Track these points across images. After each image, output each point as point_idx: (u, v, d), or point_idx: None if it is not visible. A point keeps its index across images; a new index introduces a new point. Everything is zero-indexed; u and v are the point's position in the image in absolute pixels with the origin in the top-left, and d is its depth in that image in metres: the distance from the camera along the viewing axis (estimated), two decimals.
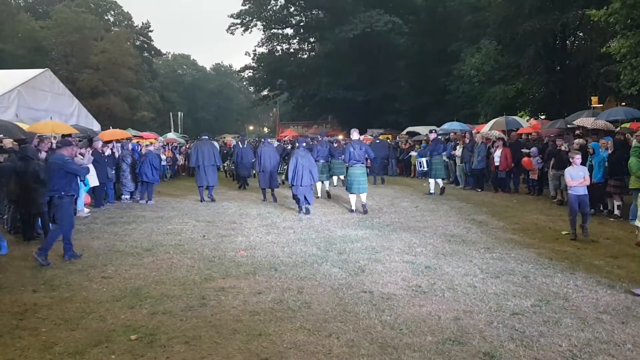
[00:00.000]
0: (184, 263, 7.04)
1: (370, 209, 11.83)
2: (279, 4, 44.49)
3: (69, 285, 6.06)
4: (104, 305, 5.31)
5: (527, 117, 23.47)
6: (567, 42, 28.18)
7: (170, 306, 5.26)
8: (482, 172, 15.62)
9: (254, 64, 47.80)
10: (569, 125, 16.57)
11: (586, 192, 8.27)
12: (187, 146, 26.02)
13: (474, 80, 27.12)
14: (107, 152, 12.91)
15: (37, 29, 45.48)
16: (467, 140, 16.22)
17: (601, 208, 10.92)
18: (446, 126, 21.75)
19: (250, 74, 49.77)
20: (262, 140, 18.76)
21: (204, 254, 7.60)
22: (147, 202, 13.35)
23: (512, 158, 14.47)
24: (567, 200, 8.74)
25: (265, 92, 49.62)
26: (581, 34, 28.78)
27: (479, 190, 15.38)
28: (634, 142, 10.60)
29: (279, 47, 47.24)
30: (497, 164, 14.76)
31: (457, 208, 12.00)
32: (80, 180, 7.53)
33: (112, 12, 58.20)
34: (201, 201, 13.56)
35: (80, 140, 14.73)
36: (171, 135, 30.47)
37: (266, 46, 46.87)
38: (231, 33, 45.53)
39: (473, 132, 18.02)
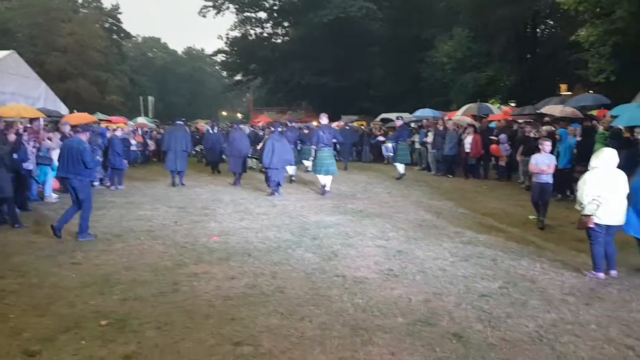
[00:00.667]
0: (156, 249, 6.98)
1: (344, 195, 11.94)
2: None
3: (38, 271, 5.95)
4: (73, 292, 5.23)
5: (499, 104, 23.80)
6: (538, 30, 28.64)
7: (141, 292, 5.22)
8: (453, 159, 15.84)
9: (226, 48, 47.13)
10: (537, 111, 16.90)
11: (550, 181, 8.18)
12: (158, 131, 25.58)
13: (446, 68, 27.33)
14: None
15: (2, 11, 43.83)
16: (439, 127, 16.39)
17: (568, 193, 11.21)
18: (419, 113, 21.91)
19: (223, 58, 49.06)
20: (233, 125, 19.10)
21: (176, 240, 7.54)
22: (116, 187, 13.14)
23: (482, 145, 14.70)
24: (532, 187, 8.73)
25: (238, 77, 49.00)
26: (551, 23, 29.30)
27: (450, 176, 15.60)
28: (600, 129, 10.91)
29: (252, 31, 46.67)
30: (467, 150, 14.98)
31: (428, 194, 12.16)
32: (88, 168, 7.77)
33: None
34: (172, 185, 13.58)
35: (47, 125, 14.36)
36: (141, 119, 29.91)
37: (239, 30, 46.24)
38: (203, 16, 44.77)
39: (445, 119, 18.22)
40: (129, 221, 8.91)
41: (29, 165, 9.80)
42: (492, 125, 16.39)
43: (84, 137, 7.93)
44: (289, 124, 16.89)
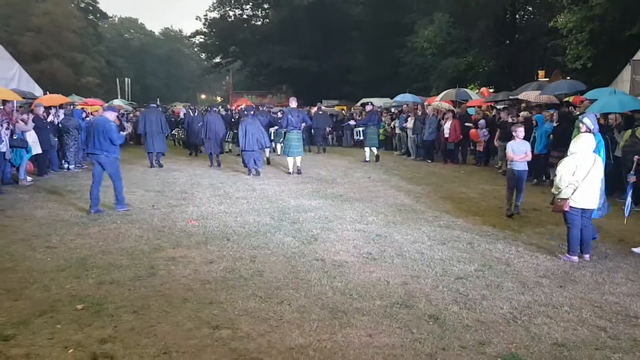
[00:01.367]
0: (132, 233, 6.90)
1: (324, 180, 11.96)
2: None
3: (11, 255, 5.84)
4: (48, 275, 5.15)
5: (477, 89, 23.91)
6: (517, 16, 28.78)
7: (117, 276, 5.16)
8: (433, 144, 15.94)
9: (205, 30, 46.34)
10: (510, 97, 17.08)
11: (526, 168, 8.17)
12: (135, 114, 25.19)
13: (426, 53, 27.36)
14: (50, 118, 12.33)
15: None
16: (419, 113, 16.45)
17: (544, 178, 11.39)
18: (399, 98, 21.92)
19: (202, 40, 48.28)
20: (209, 108, 19.54)
21: (153, 224, 7.46)
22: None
23: (460, 130, 14.81)
24: (507, 174, 8.52)
25: (217, 60, 48.23)
26: (530, 9, 29.46)
27: (429, 161, 15.71)
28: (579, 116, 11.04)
29: (231, 13, 45.79)
30: (446, 135, 15.08)
31: (407, 178, 12.23)
32: (114, 145, 8.27)
33: None
34: (151, 167, 13.90)
35: (21, 106, 14.02)
36: (117, 102, 29.35)
37: (218, 11, 45.37)
38: None
39: (425, 104, 18.28)
40: (105, 205, 8.74)
41: (2, 147, 9.58)
42: (471, 111, 16.51)
43: (110, 116, 8.41)
44: (260, 108, 17.16)
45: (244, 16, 46.40)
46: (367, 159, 15.51)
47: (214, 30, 45.15)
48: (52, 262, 5.59)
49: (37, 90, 19.45)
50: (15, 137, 10.40)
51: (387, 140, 19.71)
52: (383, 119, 19.54)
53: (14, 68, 18.45)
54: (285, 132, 13.09)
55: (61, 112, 13.44)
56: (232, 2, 45.25)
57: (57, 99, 16.12)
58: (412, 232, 7.09)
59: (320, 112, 20.71)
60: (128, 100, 36.40)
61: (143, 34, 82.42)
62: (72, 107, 16.06)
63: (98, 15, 58.59)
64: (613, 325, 4.17)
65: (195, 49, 63.03)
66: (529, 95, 14.72)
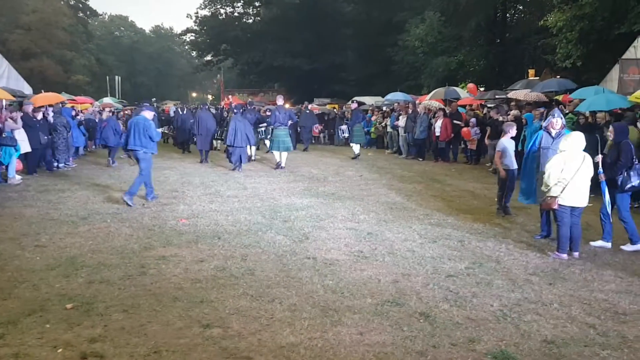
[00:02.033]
0: (122, 232, 6.86)
1: (315, 178, 11.97)
2: None
3: (0, 254, 5.79)
4: (37, 274, 5.11)
5: (463, 84, 23.91)
6: (507, 15, 28.88)
7: (107, 275, 5.13)
8: (424, 142, 15.98)
9: (196, 27, 46.14)
10: (497, 96, 17.16)
11: (516, 167, 8.05)
12: (125, 112, 25.09)
13: (418, 52, 27.39)
14: (39, 116, 12.20)
15: None
16: (409, 111, 16.49)
17: None
18: (390, 96, 21.93)
19: (193, 38, 48.12)
20: (200, 106, 20.37)
21: (144, 222, 7.42)
22: (112, 164, 13.88)
23: (451, 129, 14.86)
24: (500, 175, 8.14)
25: (208, 58, 48.00)
26: (521, 7, 29.58)
27: (421, 159, 15.75)
28: (569, 114, 11.14)
29: (222, 10, 45.59)
30: (437, 134, 15.13)
31: (399, 177, 12.26)
32: (153, 141, 8.88)
33: None
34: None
35: (10, 104, 13.87)
36: (107, 99, 29.13)
37: (209, 9, 45.18)
38: None
39: (417, 102, 18.33)
40: (95, 203, 8.73)
41: None
42: (462, 109, 16.57)
43: (148, 115, 8.96)
44: (248, 106, 17.59)
45: (235, 14, 46.27)
46: (358, 152, 15.97)
47: (205, 28, 44.98)
48: (41, 261, 5.54)
49: (27, 88, 19.27)
50: (4, 136, 10.30)
51: (378, 139, 19.75)
52: (374, 117, 19.59)
53: (3, 66, 18.26)
54: (272, 129, 13.68)
55: (50, 110, 13.29)
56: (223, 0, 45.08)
57: (51, 97, 15.98)
58: (403, 230, 7.11)
59: (307, 111, 21.12)
60: (118, 99, 36.17)
61: (133, 31, 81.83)
62: (61, 105, 15.89)
63: (88, 12, 58.14)
64: (602, 322, 4.20)
65: (186, 47, 62.73)
66: (518, 94, 14.80)
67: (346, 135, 18.38)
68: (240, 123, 12.65)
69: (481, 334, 3.94)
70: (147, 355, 3.56)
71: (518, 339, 3.87)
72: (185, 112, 19.00)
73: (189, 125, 17.36)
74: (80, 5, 55.87)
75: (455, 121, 14.87)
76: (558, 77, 16.21)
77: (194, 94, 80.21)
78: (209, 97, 74.31)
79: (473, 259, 5.82)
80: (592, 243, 6.36)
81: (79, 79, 46.73)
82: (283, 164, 13.30)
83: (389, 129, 18.27)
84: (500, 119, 12.48)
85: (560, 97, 14.21)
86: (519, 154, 8.79)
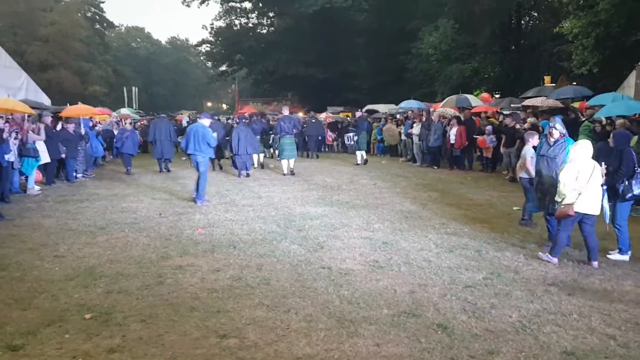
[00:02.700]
0: (140, 241, 6.92)
1: (329, 187, 11.99)
2: None
3: (20, 264, 5.87)
4: (56, 285, 5.18)
5: (477, 92, 23.78)
6: (522, 22, 28.78)
7: (125, 285, 5.18)
8: (439, 150, 15.91)
9: (211, 39, 46.68)
10: (512, 105, 17.05)
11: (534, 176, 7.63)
12: (142, 122, 25.43)
13: (431, 59, 27.38)
14: (70, 128, 12.70)
15: None
16: (424, 119, 16.45)
17: None
18: (403, 104, 21.91)
19: (208, 49, 48.60)
20: (212, 117, 20.36)
21: (161, 232, 7.48)
22: (128, 171, 14.57)
23: (466, 136, 14.78)
24: (526, 185, 7.79)
25: (223, 68, 48.49)
26: (535, 14, 29.45)
27: (435, 167, 15.67)
28: (585, 122, 11.03)
29: (237, 22, 46.17)
30: (452, 142, 15.05)
31: (413, 185, 12.21)
32: (211, 147, 9.91)
33: None
34: (160, 171, 14.80)
35: (29, 116, 14.11)
36: (125, 110, 29.52)
37: (224, 20, 45.74)
38: (187, 5, 44.33)
39: (430, 110, 18.29)
40: (113, 213, 8.83)
41: (10, 157, 9.65)
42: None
43: (205, 122, 10.01)
44: (255, 117, 18.23)
45: (250, 25, 46.73)
46: (359, 162, 16.63)
47: (220, 39, 45.45)
48: (60, 272, 5.61)
49: (45, 100, 19.61)
50: (27, 147, 10.53)
51: (392, 147, 19.72)
52: (388, 125, 19.58)
53: (22, 78, 18.60)
54: (279, 138, 14.23)
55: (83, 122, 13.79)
56: (238, 11, 45.57)
57: (83, 109, 16.43)
58: (418, 239, 7.07)
59: (313, 121, 21.55)
60: (135, 109, 36.61)
61: (150, 43, 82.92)
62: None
63: (105, 24, 59.12)
64: (623, 334, 4.13)
65: (202, 58, 63.53)
66: (534, 101, 14.70)
67: (352, 142, 19.01)
68: (243, 133, 13.39)
69: (500, 346, 3.89)
70: None
71: (537, 351, 3.82)
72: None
73: None
74: (97, 17, 56.84)
75: (475, 136, 14.73)
76: (574, 84, 16.09)
77: (209, 104, 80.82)
78: (224, 106, 74.91)
79: (491, 269, 5.76)
80: (609, 256, 6.24)
81: (96, 90, 47.40)
82: (292, 168, 13.98)
83: (402, 137, 18.24)
84: (517, 126, 12.38)
85: (576, 104, 14.09)
86: None
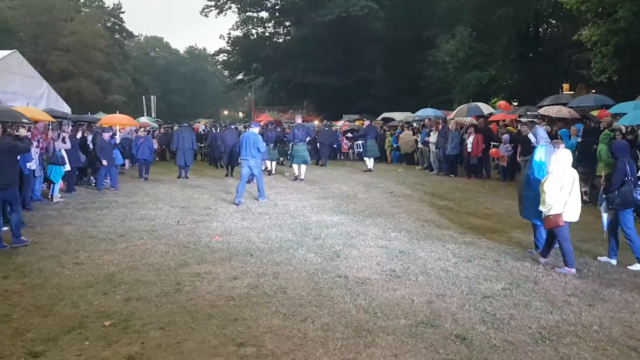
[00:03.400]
0: (159, 249, 6.99)
1: (345, 195, 11.98)
2: None
3: (41, 271, 5.96)
4: (76, 292, 5.25)
5: (496, 100, 23.60)
6: (540, 29, 28.58)
7: (144, 292, 5.23)
8: (456, 158, 15.82)
9: (228, 48, 47.17)
10: (528, 112, 16.86)
11: None
12: (160, 131, 25.80)
13: (448, 67, 27.27)
14: (107, 137, 13.24)
15: (4, 9, 43.74)
16: (440, 127, 16.38)
17: None
18: (420, 112, 21.87)
19: (225, 58, 49.09)
20: (227, 125, 22.39)
21: (179, 239, 7.55)
22: (145, 178, 15.21)
23: (483, 144, 14.67)
24: None
25: (240, 77, 49.00)
26: (554, 22, 29.24)
27: (453, 175, 15.58)
28: (605, 131, 10.88)
29: (254, 31, 46.68)
30: (469, 150, 14.96)
31: (430, 194, 12.15)
32: (261, 152, 10.94)
33: None
34: (179, 177, 15.53)
35: (49, 124, 14.38)
36: (144, 119, 29.89)
37: (241, 29, 46.27)
38: (205, 15, 44.85)
39: (447, 118, 18.21)
40: (132, 221, 8.93)
41: (32, 165, 9.83)
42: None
43: (256, 130, 11.22)
44: (269, 126, 18.93)
45: (266, 34, 47.19)
46: (370, 168, 17.20)
47: (237, 48, 45.93)
48: (80, 279, 5.69)
49: (66, 108, 19.96)
50: (56, 155, 10.79)
51: (408, 155, 19.67)
52: (403, 134, 19.56)
53: (43, 87, 18.97)
54: (292, 145, 15.02)
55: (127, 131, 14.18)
56: (255, 20, 46.06)
57: (123, 119, 17.00)
58: (436, 248, 7.03)
59: (326, 129, 22.17)
60: (154, 118, 37.03)
61: (168, 52, 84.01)
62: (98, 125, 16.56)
63: (124, 34, 60.07)
64: None
65: (219, 67, 64.05)
66: (550, 110, 14.52)
67: (360, 149, 19.83)
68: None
69: (519, 357, 3.84)
70: None
71: None
72: (218, 130, 20.40)
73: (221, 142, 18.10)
74: (117, 27, 57.76)
75: (493, 143, 14.62)
76: (593, 92, 15.90)
77: (226, 112, 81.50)
78: (240, 114, 75.44)
79: (510, 279, 5.70)
80: (630, 267, 6.16)
81: (115, 98, 48.04)
82: (302, 176, 14.57)
83: (419, 145, 18.18)
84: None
85: (595, 113, 13.91)
86: None
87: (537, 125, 8.20)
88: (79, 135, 12.60)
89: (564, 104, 14.95)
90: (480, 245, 7.24)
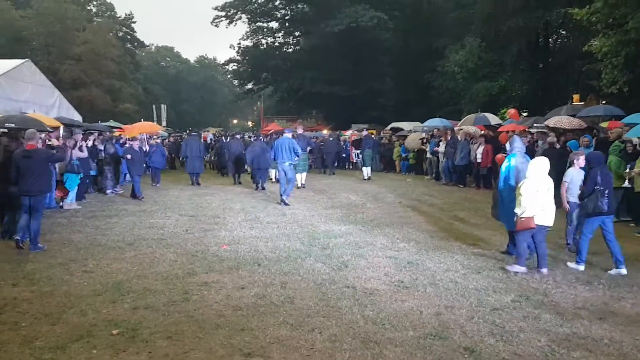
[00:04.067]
0: (167, 257, 7.00)
1: (353, 204, 11.98)
2: None
3: (50, 279, 6.00)
4: (85, 300, 5.26)
5: (505, 110, 23.45)
6: (550, 40, 28.48)
7: (152, 301, 5.24)
8: (465, 168, 15.75)
9: (238, 57, 47.45)
10: (536, 124, 16.76)
11: (576, 200, 7.09)
12: (169, 139, 26.08)
13: (457, 77, 27.22)
14: (136, 146, 13.55)
15: (17, 19, 44.32)
16: (449, 137, 16.34)
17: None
18: (428, 122, 21.81)
19: (235, 67, 49.44)
20: (233, 135, 22.95)
21: (187, 248, 7.57)
22: (157, 185, 15.81)
23: (492, 155, 14.59)
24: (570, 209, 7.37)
25: (249, 86, 49.24)
26: (564, 32, 29.12)
27: (462, 186, 15.52)
28: (615, 142, 10.79)
29: (263, 41, 47.02)
30: (479, 160, 14.89)
31: (439, 204, 12.10)
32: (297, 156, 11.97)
33: (95, 3, 56.96)
34: (191, 184, 16.06)
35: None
36: None
37: (251, 39, 46.61)
38: (215, 26, 45.25)
39: (455, 128, 18.16)
40: (141, 229, 8.97)
41: None
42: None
43: (289, 135, 12.08)
44: (275, 135, 19.40)
45: (276, 44, 47.52)
46: (366, 177, 17.73)
47: (246, 57, 46.22)
48: (88, 287, 5.71)
49: (77, 117, 20.14)
50: (72, 163, 10.91)
51: (417, 165, 19.62)
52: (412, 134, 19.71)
53: (55, 95, 19.16)
54: None
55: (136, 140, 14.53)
56: (265, 31, 46.44)
57: (146, 127, 17.33)
58: (445, 259, 6.99)
59: (331, 139, 22.60)
60: (164, 126, 37.26)
61: (179, 61, 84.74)
62: (109, 133, 16.74)
63: (135, 44, 60.66)
64: None
65: (229, 76, 64.42)
66: (558, 121, 14.41)
67: (359, 159, 20.68)
68: (258, 149, 14.81)
69: None
70: None
71: None
72: (228, 139, 20.90)
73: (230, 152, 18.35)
74: (129, 37, 58.37)
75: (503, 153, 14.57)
76: (604, 102, 15.79)
77: (235, 121, 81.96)
78: (249, 123, 75.71)
79: (519, 291, 5.65)
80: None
81: (126, 107, 48.39)
82: (303, 183, 15.27)
83: (428, 155, 18.15)
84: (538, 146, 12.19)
85: (605, 124, 13.80)
86: None
87: (515, 136, 8.43)
88: (89, 143, 12.71)
89: (573, 115, 14.85)
90: (490, 256, 7.19)
